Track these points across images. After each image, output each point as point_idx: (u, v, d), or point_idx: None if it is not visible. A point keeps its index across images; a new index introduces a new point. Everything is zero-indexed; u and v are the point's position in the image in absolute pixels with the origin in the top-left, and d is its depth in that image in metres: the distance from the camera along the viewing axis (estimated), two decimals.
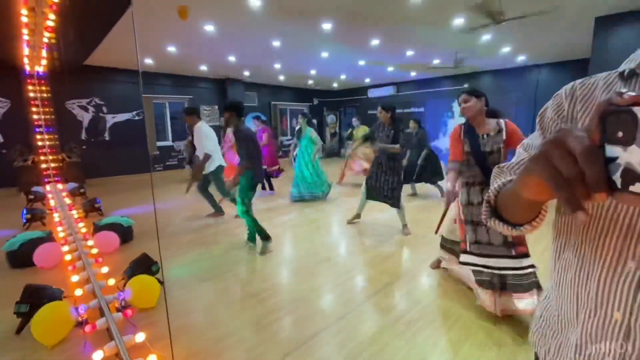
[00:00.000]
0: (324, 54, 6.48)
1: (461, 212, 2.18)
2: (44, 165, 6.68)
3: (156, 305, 2.36)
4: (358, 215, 4.13)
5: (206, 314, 2.25)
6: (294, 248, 3.50)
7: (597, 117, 0.32)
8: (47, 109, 6.65)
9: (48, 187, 6.30)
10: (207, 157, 4.00)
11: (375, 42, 5.62)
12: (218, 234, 3.92)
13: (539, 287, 1.95)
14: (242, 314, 2.22)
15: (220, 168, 4.28)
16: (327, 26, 4.70)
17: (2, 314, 2.18)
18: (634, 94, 0.30)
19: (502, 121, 2.05)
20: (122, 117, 8.18)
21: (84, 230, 3.69)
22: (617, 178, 0.30)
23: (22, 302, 2.10)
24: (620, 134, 0.30)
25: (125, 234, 3.69)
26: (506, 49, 6.43)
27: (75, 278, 2.56)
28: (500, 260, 2.01)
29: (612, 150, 0.31)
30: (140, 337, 1.82)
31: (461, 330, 1.98)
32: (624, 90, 0.33)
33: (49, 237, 3.31)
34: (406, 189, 5.65)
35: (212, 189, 4.43)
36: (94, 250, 3.12)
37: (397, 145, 3.46)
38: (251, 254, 3.30)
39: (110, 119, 8.09)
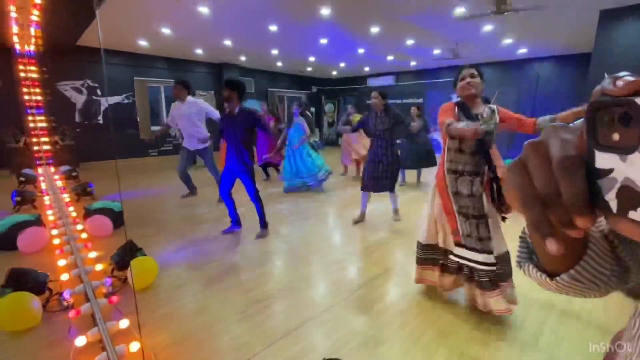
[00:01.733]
0: (323, 41, 6.35)
1: (452, 202, 2.02)
2: (35, 148, 6.59)
3: (149, 288, 2.36)
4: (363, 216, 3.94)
5: (194, 301, 2.24)
6: (286, 237, 3.48)
7: (586, 113, 0.24)
8: (39, 90, 6.53)
9: (40, 170, 6.23)
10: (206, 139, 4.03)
11: (375, 29, 5.49)
12: (209, 220, 3.90)
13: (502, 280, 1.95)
14: (230, 302, 2.22)
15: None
16: (325, 11, 4.57)
17: None
18: (633, 77, 0.22)
19: (492, 105, 1.95)
20: (113, 100, 8.04)
21: (74, 214, 3.65)
22: (611, 199, 0.22)
23: (7, 287, 2.08)
24: (615, 136, 0.22)
25: (117, 219, 3.65)
26: (507, 41, 6.32)
27: (62, 262, 2.53)
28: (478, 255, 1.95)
29: (604, 159, 0.22)
30: (124, 323, 1.81)
31: (446, 324, 1.98)
32: (622, 73, 0.23)
33: (38, 221, 3.27)
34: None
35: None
36: (84, 235, 3.09)
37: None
38: (241, 242, 3.28)
39: (104, 102, 7.96)
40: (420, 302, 2.23)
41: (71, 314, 1.89)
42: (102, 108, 7.96)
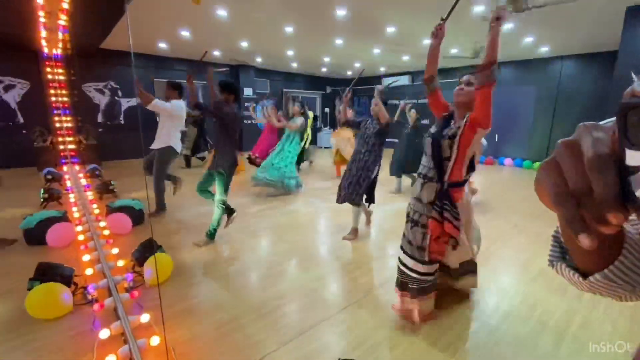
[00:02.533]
0: (339, 41, 6.35)
1: (409, 203, 2.02)
2: (61, 147, 6.88)
3: (164, 284, 2.43)
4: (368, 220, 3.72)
5: (210, 298, 2.30)
6: (299, 239, 3.51)
7: (617, 113, 0.25)
8: (65, 92, 6.81)
9: (65, 168, 6.50)
10: (147, 102, 3.62)
11: (391, 29, 5.45)
12: (225, 219, 3.96)
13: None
14: (245, 300, 2.26)
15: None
16: (341, 12, 4.57)
17: (19, 288, 2.28)
18: None
19: (467, 116, 1.78)
20: (134, 101, 8.29)
21: (97, 211, 3.79)
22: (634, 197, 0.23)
23: (35, 279, 2.18)
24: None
25: (137, 217, 3.77)
26: (529, 39, 6.15)
27: (86, 257, 2.64)
28: (410, 260, 1.93)
29: (635, 157, 0.23)
30: (145, 317, 1.88)
31: (462, 327, 1.96)
32: None
33: (64, 217, 3.41)
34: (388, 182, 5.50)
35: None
36: (106, 232, 3.21)
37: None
38: (257, 241, 3.33)
39: (125, 103, 8.22)
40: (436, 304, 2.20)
41: (95, 307, 1.97)
42: (123, 109, 8.23)
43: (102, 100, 7.95)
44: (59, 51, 6.04)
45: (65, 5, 3.49)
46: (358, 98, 12.59)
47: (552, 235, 0.42)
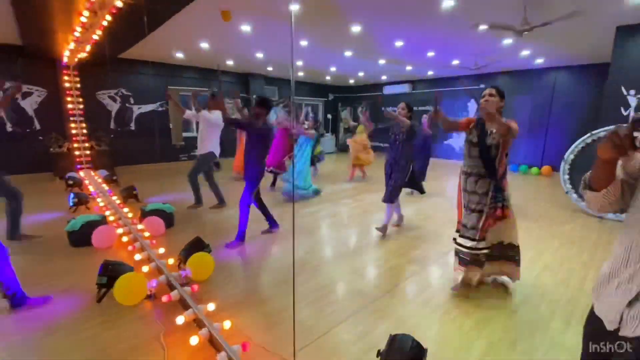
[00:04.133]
0: (348, 53, 6.69)
1: (462, 196, 2.50)
2: (77, 153, 7.08)
3: (209, 281, 2.68)
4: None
5: (256, 292, 2.57)
6: (326, 237, 3.79)
7: (631, 122, 0.83)
8: (81, 99, 7.04)
9: (82, 173, 6.70)
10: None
11: (399, 43, 5.81)
12: (254, 221, 4.23)
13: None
14: (289, 292, 2.52)
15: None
16: (356, 29, 4.91)
17: (83, 285, 2.52)
18: None
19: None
20: (147, 107, 8.52)
21: (130, 215, 4.03)
22: (638, 142, 0.80)
23: (103, 275, 2.43)
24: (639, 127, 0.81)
25: (168, 219, 4.02)
26: (525, 52, 6.57)
27: (137, 257, 2.90)
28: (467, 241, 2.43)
29: (636, 134, 0.80)
30: (211, 306, 2.14)
31: (485, 312, 2.26)
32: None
33: (104, 220, 3.66)
34: None
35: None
36: (147, 234, 3.46)
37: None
38: (287, 240, 3.61)
39: (136, 110, 8.45)
40: (460, 296, 2.51)
41: (164, 298, 2.23)
42: (134, 115, 8.45)
43: (113, 107, 8.18)
44: (76, 60, 6.27)
45: (105, 23, 3.74)
46: (360, 104, 12.96)
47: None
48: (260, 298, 2.48)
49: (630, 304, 0.86)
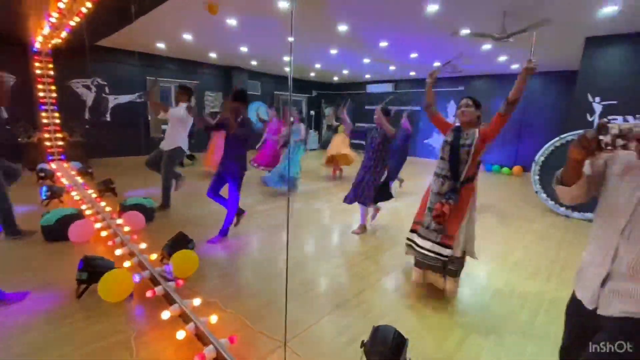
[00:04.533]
0: (333, 51, 6.74)
1: (430, 198, 2.45)
2: (48, 143, 6.74)
3: (193, 277, 2.67)
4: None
5: (243, 287, 2.59)
6: (309, 233, 3.85)
7: (597, 126, 0.93)
8: (53, 87, 6.69)
9: (53, 165, 6.40)
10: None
11: (383, 44, 5.92)
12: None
13: (451, 274, 2.38)
14: (276, 287, 2.57)
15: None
16: (342, 28, 4.96)
17: (61, 280, 2.46)
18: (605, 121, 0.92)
19: (477, 130, 2.31)
20: (124, 98, 8.23)
21: (108, 209, 3.92)
22: (603, 144, 0.91)
23: (83, 271, 2.37)
24: (603, 131, 0.91)
25: (148, 214, 3.94)
26: (502, 58, 6.86)
27: (118, 252, 2.84)
28: (427, 242, 2.39)
29: (603, 136, 0.91)
30: (197, 301, 2.15)
31: (461, 303, 2.40)
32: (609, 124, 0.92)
33: (81, 214, 3.54)
34: None
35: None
36: (126, 228, 3.38)
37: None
38: (269, 237, 3.63)
39: (113, 100, 8.14)
40: (435, 290, 2.64)
41: (148, 293, 2.22)
42: (110, 105, 8.14)
43: (88, 96, 7.84)
44: (50, 46, 5.98)
45: (84, 10, 3.60)
46: (343, 102, 13.03)
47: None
48: (246, 292, 2.50)
49: (603, 283, 1.03)
